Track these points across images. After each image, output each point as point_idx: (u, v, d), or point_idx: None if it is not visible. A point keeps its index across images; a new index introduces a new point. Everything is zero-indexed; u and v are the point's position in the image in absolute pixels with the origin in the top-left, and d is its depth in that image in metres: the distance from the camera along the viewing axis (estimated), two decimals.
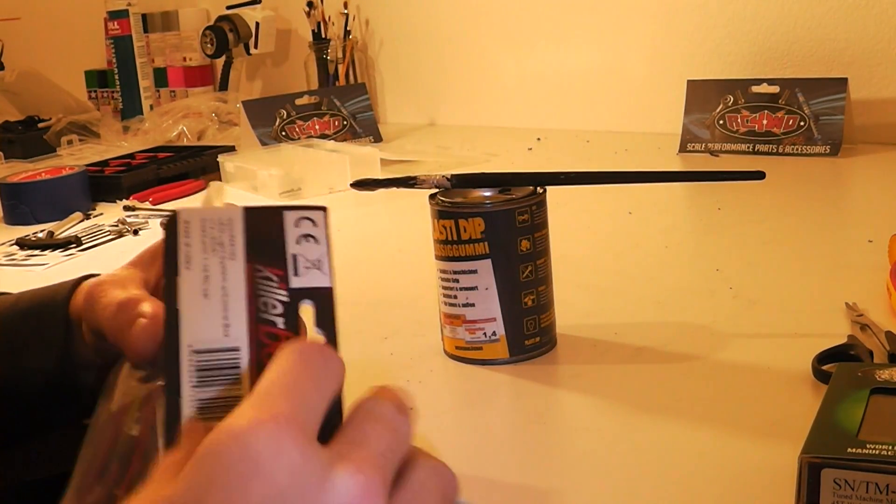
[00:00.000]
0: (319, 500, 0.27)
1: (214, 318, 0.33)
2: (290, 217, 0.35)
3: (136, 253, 0.49)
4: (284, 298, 0.34)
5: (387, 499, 0.29)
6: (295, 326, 0.34)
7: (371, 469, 0.29)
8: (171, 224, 0.35)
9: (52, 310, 0.49)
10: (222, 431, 0.28)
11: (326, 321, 0.34)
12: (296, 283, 0.34)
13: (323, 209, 0.36)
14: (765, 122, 1.29)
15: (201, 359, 0.33)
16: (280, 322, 0.34)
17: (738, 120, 1.31)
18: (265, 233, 0.35)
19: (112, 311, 0.44)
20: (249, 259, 0.34)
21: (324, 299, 0.35)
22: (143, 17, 1.99)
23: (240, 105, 1.61)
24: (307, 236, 0.35)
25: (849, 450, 0.42)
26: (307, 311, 0.34)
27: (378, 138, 1.63)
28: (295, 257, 0.35)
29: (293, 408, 0.29)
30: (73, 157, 1.72)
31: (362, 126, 1.63)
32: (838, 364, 0.55)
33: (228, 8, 1.92)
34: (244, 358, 0.33)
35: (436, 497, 0.32)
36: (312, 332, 0.34)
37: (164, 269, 0.34)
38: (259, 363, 0.33)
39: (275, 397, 0.29)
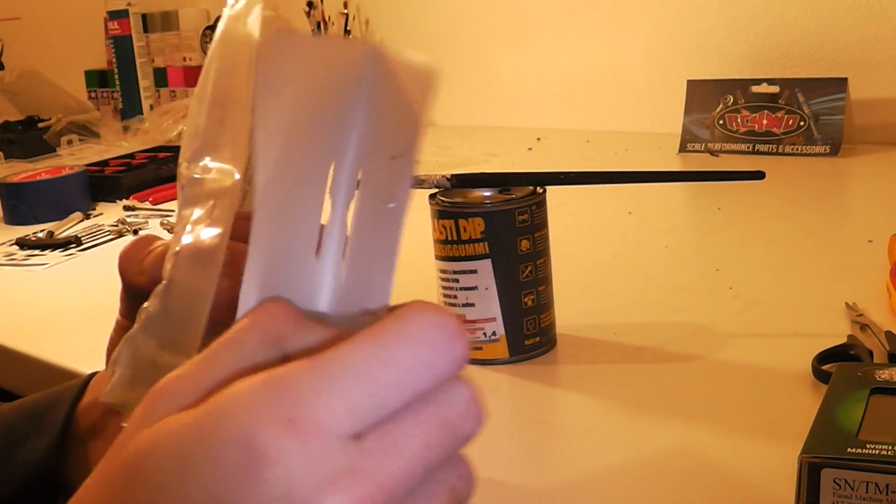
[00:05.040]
0: None
1: None
2: None
3: None
4: None
5: None
6: None
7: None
8: None
9: (57, 407, 0.49)
10: (233, 413, 0.25)
11: None
12: None
13: None
14: (765, 121, 1.29)
15: None
16: None
17: (738, 120, 1.31)
18: None
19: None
20: None
21: None
22: (143, 17, 1.98)
23: None
24: None
25: (849, 450, 0.42)
26: None
27: None
28: None
29: (346, 412, 0.25)
30: (73, 157, 1.72)
31: None
32: (838, 364, 0.56)
33: None
34: None
35: None
36: None
37: None
38: None
39: (325, 389, 0.25)
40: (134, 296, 0.45)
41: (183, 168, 0.40)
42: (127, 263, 0.45)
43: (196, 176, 0.39)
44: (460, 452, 0.28)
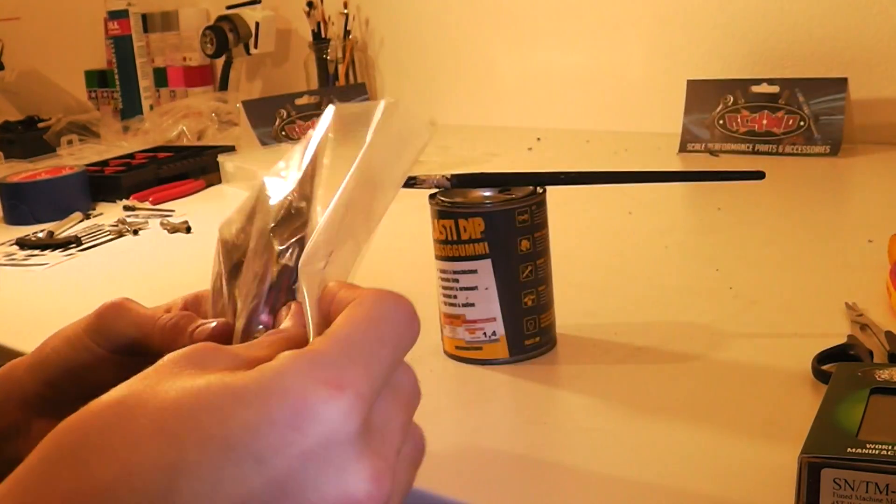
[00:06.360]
0: (334, 483, 0.29)
1: None
2: None
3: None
4: None
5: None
6: None
7: (384, 475, 0.30)
8: None
9: None
10: (286, 374, 0.29)
11: None
12: None
13: None
14: (765, 122, 1.29)
15: None
16: None
17: (738, 120, 1.31)
18: None
19: (166, 321, 0.45)
20: None
21: None
22: (143, 17, 1.99)
23: (240, 105, 1.61)
24: None
25: (849, 450, 0.42)
26: None
27: None
28: None
29: (366, 380, 0.30)
30: (73, 157, 1.72)
31: None
32: (838, 364, 0.56)
33: (228, 8, 1.92)
34: None
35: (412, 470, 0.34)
36: None
37: None
38: None
39: (350, 361, 0.31)
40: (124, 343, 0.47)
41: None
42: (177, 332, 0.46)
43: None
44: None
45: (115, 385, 0.31)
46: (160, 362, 0.31)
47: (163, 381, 0.30)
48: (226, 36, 1.88)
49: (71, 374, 0.47)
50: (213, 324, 0.44)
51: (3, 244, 1.16)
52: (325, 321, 0.36)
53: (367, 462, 0.29)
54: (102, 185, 1.34)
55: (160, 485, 0.27)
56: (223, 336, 0.43)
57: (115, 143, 1.78)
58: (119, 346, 0.46)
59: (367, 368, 0.31)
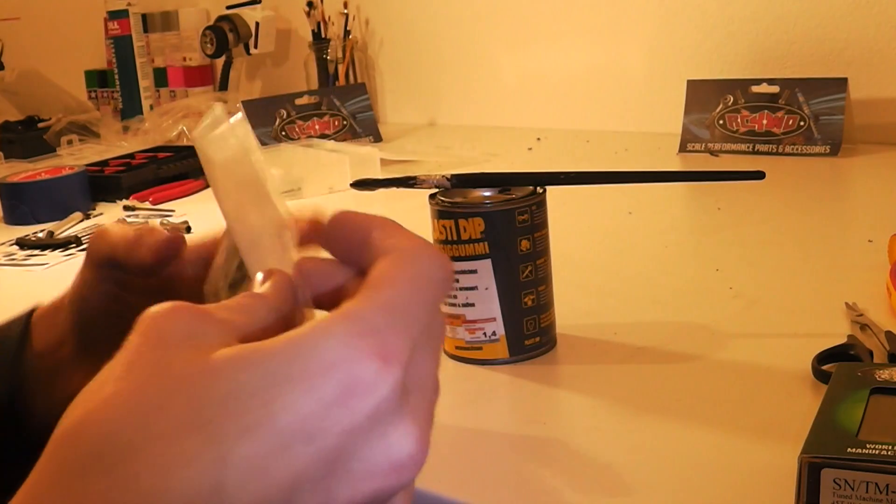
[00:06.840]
0: (378, 452, 0.28)
1: None
2: None
3: None
4: None
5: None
6: None
7: (424, 434, 0.29)
8: None
9: (3, 339, 0.48)
10: (331, 347, 0.27)
11: None
12: None
13: None
14: (765, 122, 1.29)
15: None
16: None
17: (738, 120, 1.31)
18: None
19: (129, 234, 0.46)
20: None
21: None
22: (143, 17, 1.99)
23: (240, 105, 1.61)
24: None
25: (849, 450, 0.42)
26: None
27: (378, 138, 1.63)
28: None
29: (408, 346, 0.29)
30: (73, 157, 1.72)
31: (362, 126, 1.63)
32: (838, 364, 0.56)
33: (228, 8, 1.92)
34: None
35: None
36: None
37: None
38: None
39: (394, 327, 0.29)
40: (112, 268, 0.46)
41: None
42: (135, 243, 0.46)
43: None
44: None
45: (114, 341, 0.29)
46: (138, 343, 0.29)
47: (173, 366, 0.28)
48: (226, 36, 1.88)
49: (88, 323, 0.47)
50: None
51: (3, 244, 1.16)
52: (352, 261, 0.34)
53: (409, 425, 0.28)
54: (102, 185, 1.34)
55: (209, 481, 0.26)
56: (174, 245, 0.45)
57: (115, 143, 1.77)
58: (103, 265, 0.47)
59: (408, 333, 0.29)
